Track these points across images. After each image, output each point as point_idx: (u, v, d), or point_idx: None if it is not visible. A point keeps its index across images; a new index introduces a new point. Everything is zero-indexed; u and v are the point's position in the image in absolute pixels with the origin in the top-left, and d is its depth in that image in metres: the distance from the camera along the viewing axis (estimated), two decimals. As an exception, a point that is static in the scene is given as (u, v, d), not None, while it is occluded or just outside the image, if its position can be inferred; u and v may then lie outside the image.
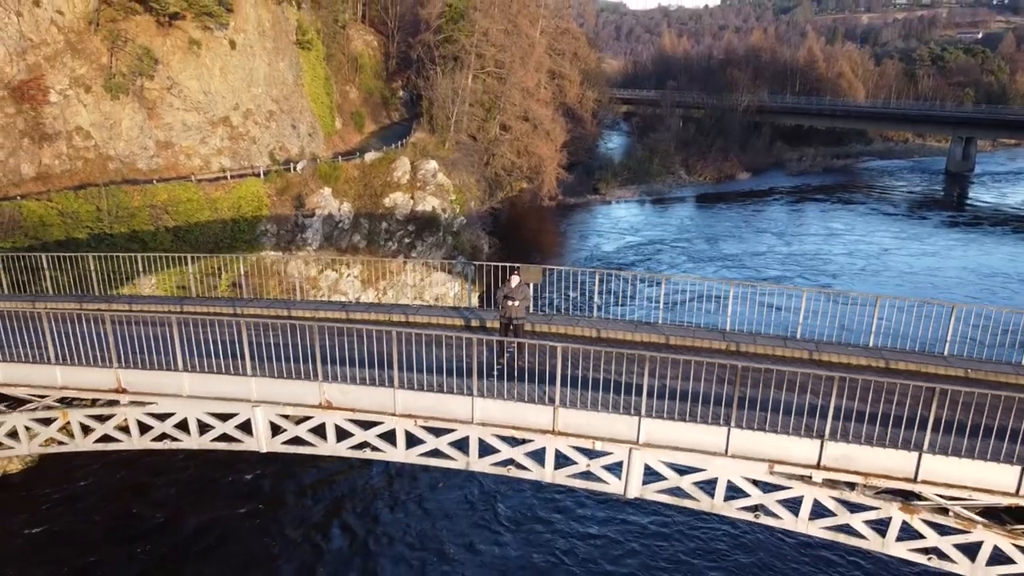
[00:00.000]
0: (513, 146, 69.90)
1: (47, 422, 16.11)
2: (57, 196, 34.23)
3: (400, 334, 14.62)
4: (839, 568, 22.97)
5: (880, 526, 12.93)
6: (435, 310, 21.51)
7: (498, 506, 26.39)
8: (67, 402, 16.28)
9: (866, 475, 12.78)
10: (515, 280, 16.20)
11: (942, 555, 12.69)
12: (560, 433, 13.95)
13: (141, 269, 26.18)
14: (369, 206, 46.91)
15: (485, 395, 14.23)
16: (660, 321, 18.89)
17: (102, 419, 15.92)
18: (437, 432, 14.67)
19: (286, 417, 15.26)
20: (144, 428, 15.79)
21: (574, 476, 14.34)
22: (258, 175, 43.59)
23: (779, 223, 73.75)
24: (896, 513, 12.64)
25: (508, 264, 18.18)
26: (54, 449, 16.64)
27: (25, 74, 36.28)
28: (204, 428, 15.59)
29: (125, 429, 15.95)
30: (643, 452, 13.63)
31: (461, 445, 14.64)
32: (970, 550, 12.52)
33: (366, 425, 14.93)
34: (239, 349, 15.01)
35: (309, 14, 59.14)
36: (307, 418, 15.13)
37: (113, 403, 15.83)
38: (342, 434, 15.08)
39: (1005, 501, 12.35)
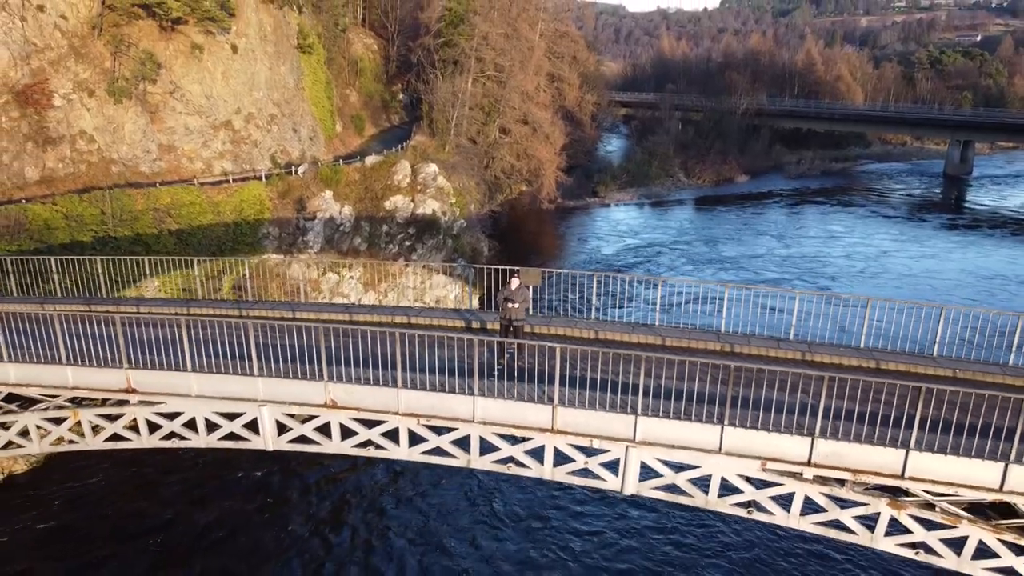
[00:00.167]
0: (512, 149, 70.29)
1: (58, 421, 16.50)
2: (62, 199, 34.60)
3: (403, 335, 15.01)
4: (831, 563, 23.37)
5: (869, 521, 13.31)
6: (436, 312, 21.92)
7: (498, 503, 26.84)
8: (78, 402, 16.66)
9: (855, 472, 13.17)
10: (515, 283, 16.58)
11: (929, 549, 13.07)
12: (559, 431, 14.35)
13: (148, 272, 26.52)
14: (370, 209, 47.31)
15: (486, 395, 14.62)
16: (657, 323, 19.27)
17: (112, 418, 16.30)
18: (439, 431, 15.06)
19: (292, 416, 15.64)
20: (153, 427, 16.18)
21: (573, 473, 14.75)
22: (260, 178, 43.99)
23: (778, 226, 74.14)
24: (884, 509, 13.02)
25: (508, 267, 18.51)
26: (64, 448, 17.00)
27: (29, 78, 36.66)
28: (212, 427, 15.99)
29: (134, 428, 16.34)
30: (639, 450, 14.02)
31: (462, 443, 15.03)
32: (956, 544, 12.91)
33: (370, 424, 15.31)
34: (246, 350, 15.39)
35: (310, 18, 59.57)
36: (312, 417, 15.52)
37: (123, 403, 16.21)
38: (346, 433, 15.46)
39: (989, 497, 12.75)
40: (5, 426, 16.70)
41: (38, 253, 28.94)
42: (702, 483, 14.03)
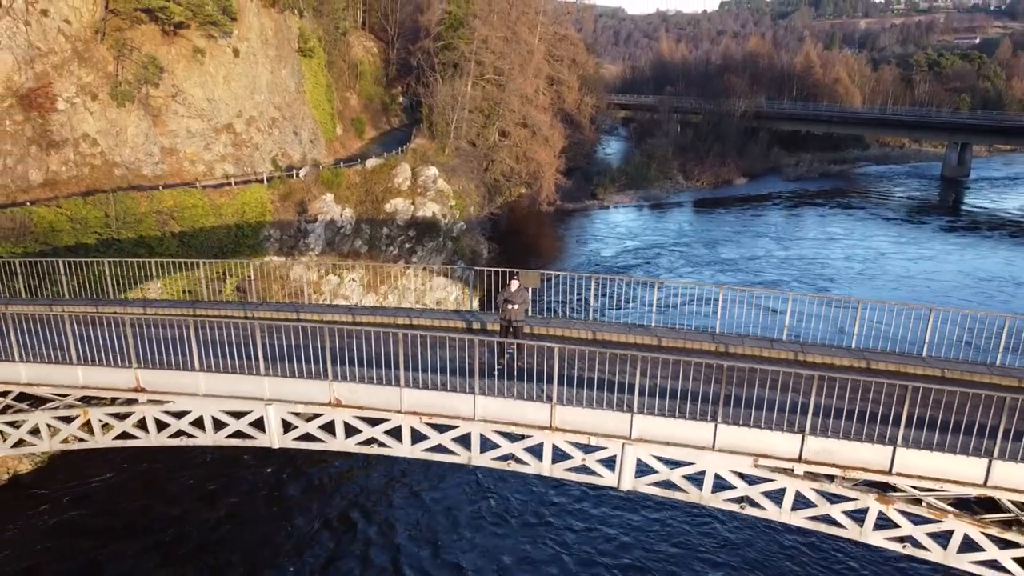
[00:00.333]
0: (512, 152, 70.64)
1: (68, 420, 16.89)
2: (66, 202, 34.96)
3: (405, 336, 15.40)
4: (823, 557, 23.78)
5: (858, 516, 13.71)
6: (438, 313, 22.32)
7: (498, 499, 27.28)
8: (87, 401, 17.04)
9: (844, 468, 13.56)
10: (514, 284, 16.97)
11: (916, 543, 13.47)
12: (557, 429, 14.75)
13: (154, 273, 26.92)
14: (370, 211, 47.70)
15: (486, 393, 15.02)
16: (653, 324, 19.67)
17: (121, 417, 16.69)
18: (441, 428, 15.47)
19: (297, 415, 16.04)
20: (161, 425, 16.57)
21: (571, 470, 15.15)
22: (261, 181, 44.37)
23: (776, 228, 74.55)
24: (873, 504, 13.41)
25: (507, 269, 18.84)
26: (74, 446, 17.39)
27: (33, 82, 37.04)
28: (219, 425, 16.38)
29: (143, 426, 16.72)
30: (636, 447, 14.42)
31: (463, 441, 15.42)
32: (942, 538, 13.31)
33: (373, 422, 15.71)
34: (252, 350, 15.79)
35: (311, 22, 59.99)
36: (317, 415, 15.91)
37: (132, 401, 16.60)
38: (350, 431, 15.86)
39: (974, 492, 13.16)
40: (16, 425, 17.08)
41: (43, 255, 29.29)
42: (696, 479, 14.41)
